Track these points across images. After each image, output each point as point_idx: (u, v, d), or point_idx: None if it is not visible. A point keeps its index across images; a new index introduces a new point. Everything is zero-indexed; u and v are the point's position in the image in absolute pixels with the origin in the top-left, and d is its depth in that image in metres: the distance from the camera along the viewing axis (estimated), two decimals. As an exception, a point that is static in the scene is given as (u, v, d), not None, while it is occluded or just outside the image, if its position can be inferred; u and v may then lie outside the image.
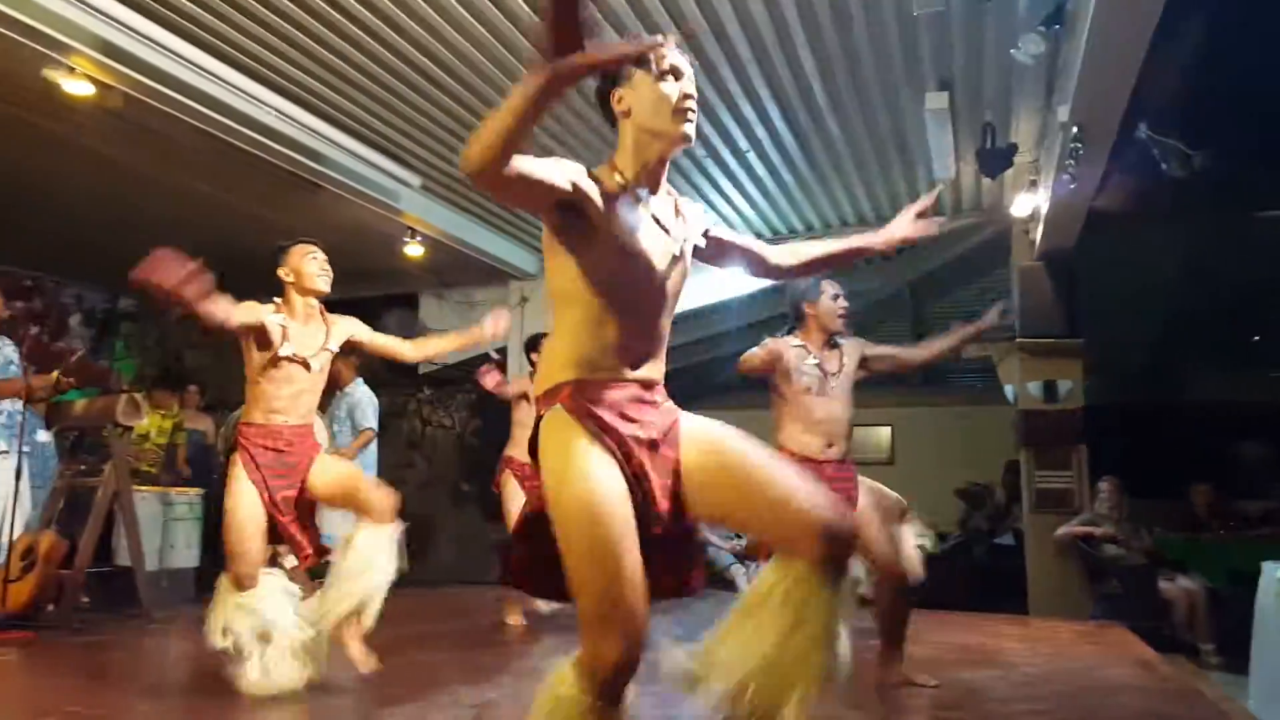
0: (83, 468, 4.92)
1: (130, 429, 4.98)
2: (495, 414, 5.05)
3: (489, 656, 3.92)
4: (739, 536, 7.78)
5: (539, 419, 1.66)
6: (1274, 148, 4.72)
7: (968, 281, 8.02)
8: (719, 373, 8.39)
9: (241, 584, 2.94)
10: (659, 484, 1.62)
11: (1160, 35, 3.30)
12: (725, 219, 6.56)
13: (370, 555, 3.00)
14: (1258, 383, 9.71)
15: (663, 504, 1.61)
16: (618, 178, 1.69)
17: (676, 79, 1.69)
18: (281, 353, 3.06)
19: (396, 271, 7.07)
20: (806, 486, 1.60)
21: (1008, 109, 4.84)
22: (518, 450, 4.63)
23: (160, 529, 5.25)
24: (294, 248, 3.18)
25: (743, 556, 7.57)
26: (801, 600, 1.52)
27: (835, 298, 3.31)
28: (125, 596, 4.76)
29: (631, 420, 1.62)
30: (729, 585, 7.33)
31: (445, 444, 8.33)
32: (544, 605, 4.69)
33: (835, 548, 1.53)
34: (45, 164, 5.27)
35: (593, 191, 1.60)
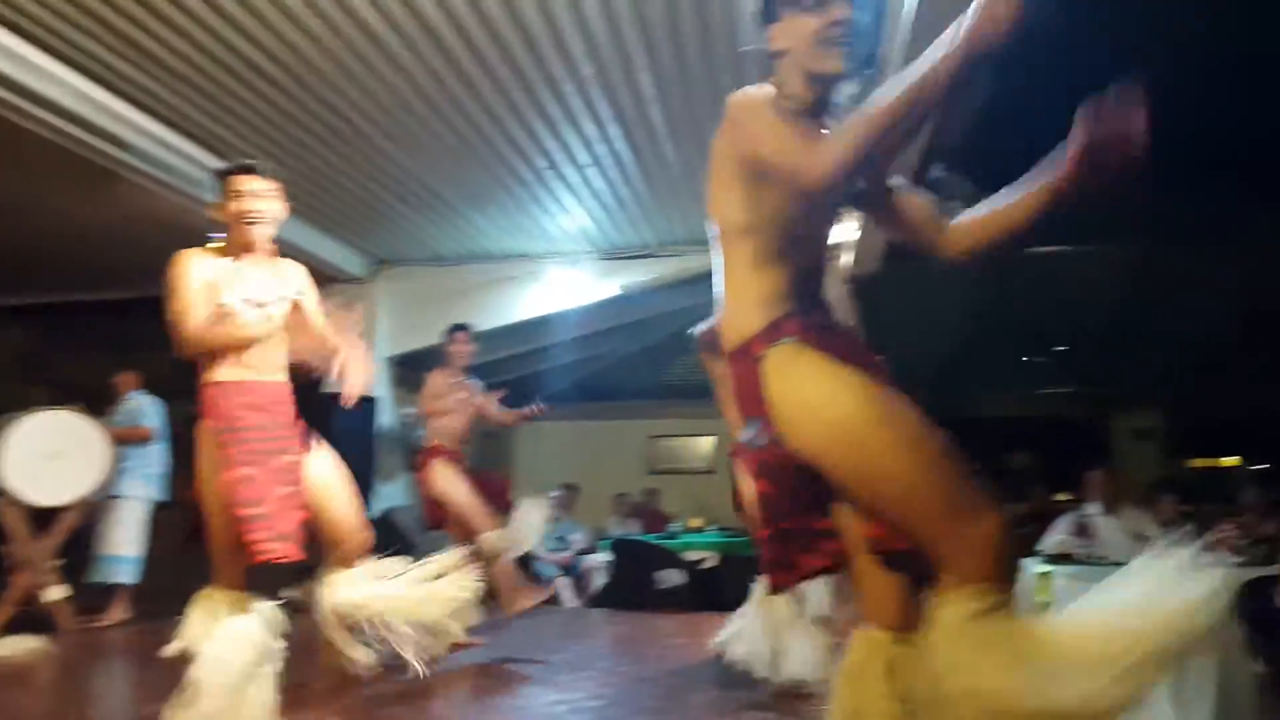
0: None
1: None
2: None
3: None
4: (566, 547, 7.79)
5: (758, 361, 1.52)
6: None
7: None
8: (554, 382, 8.42)
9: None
10: None
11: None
12: (567, 233, 6.63)
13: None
14: (1027, 399, 10.89)
15: None
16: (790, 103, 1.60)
17: (821, 5, 1.57)
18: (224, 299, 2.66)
19: (204, 269, 6.61)
20: None
21: (825, 143, 5.18)
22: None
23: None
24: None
25: (569, 569, 7.59)
26: None
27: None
28: None
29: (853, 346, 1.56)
30: (554, 599, 7.31)
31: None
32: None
33: None
34: None
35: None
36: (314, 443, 2.75)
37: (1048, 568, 4.58)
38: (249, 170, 2.75)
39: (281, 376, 2.76)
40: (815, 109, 1.64)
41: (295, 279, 2.88)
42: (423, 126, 4.89)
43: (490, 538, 4.35)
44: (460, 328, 4.78)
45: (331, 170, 5.51)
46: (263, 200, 2.74)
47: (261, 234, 2.74)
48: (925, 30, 3.34)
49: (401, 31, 3.98)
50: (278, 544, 2.47)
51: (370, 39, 4.03)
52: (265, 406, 2.64)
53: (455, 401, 4.61)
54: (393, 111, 4.74)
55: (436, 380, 4.69)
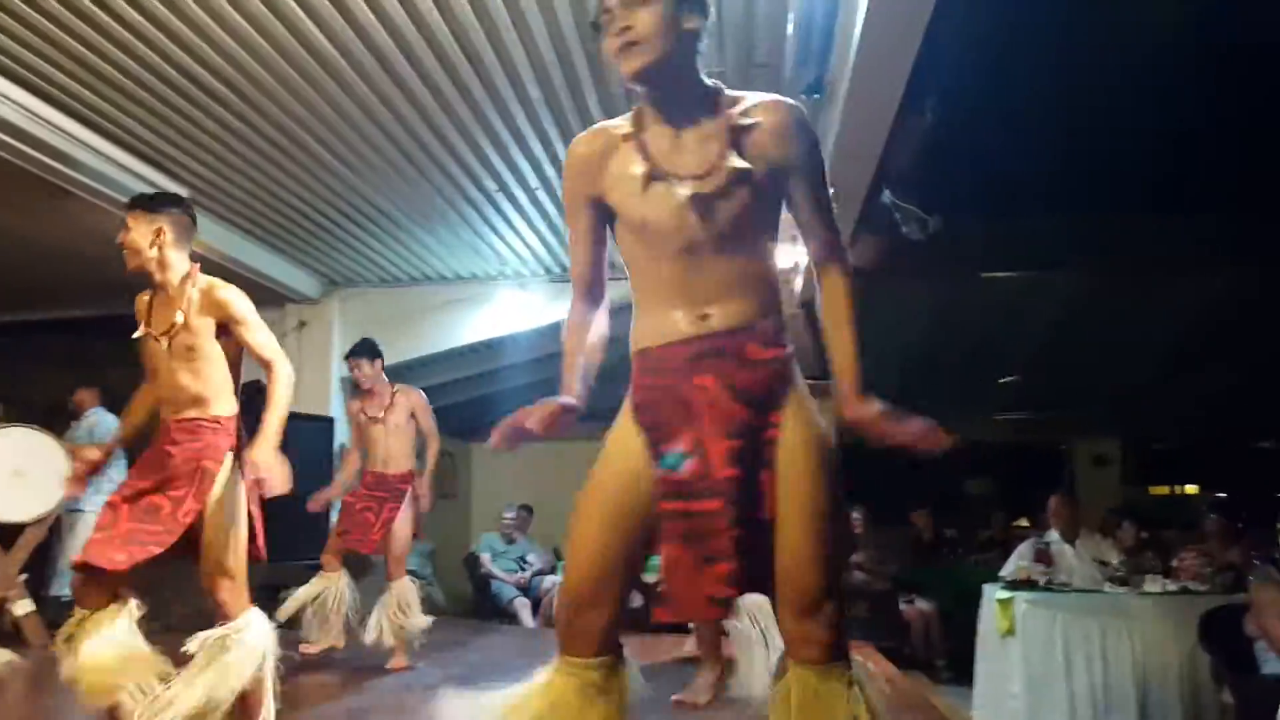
0: None
1: None
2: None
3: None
4: (523, 568, 7.72)
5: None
6: (995, 217, 5.43)
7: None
8: (507, 405, 8.33)
9: None
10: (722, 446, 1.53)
11: (904, 110, 3.71)
12: (516, 254, 6.63)
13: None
14: (985, 424, 11.00)
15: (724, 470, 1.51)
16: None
17: (609, 19, 1.58)
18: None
19: (159, 289, 6.51)
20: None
21: (772, 169, 5.24)
22: None
23: None
24: None
25: (526, 589, 7.53)
26: None
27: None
28: None
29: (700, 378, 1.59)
30: (512, 619, 7.26)
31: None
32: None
33: None
34: None
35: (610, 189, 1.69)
36: (203, 492, 2.52)
37: (1008, 594, 4.58)
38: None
39: (189, 411, 2.59)
40: (678, 116, 1.65)
41: (200, 307, 2.65)
42: (372, 147, 4.89)
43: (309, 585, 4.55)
44: (351, 352, 4.69)
45: (283, 191, 5.47)
46: (125, 233, 2.70)
47: (130, 266, 2.71)
48: (871, 56, 3.39)
49: (350, 53, 3.98)
50: (94, 555, 2.42)
51: (319, 60, 4.03)
52: (154, 445, 2.60)
53: (365, 423, 4.60)
54: (342, 132, 4.73)
55: (348, 408, 4.73)
